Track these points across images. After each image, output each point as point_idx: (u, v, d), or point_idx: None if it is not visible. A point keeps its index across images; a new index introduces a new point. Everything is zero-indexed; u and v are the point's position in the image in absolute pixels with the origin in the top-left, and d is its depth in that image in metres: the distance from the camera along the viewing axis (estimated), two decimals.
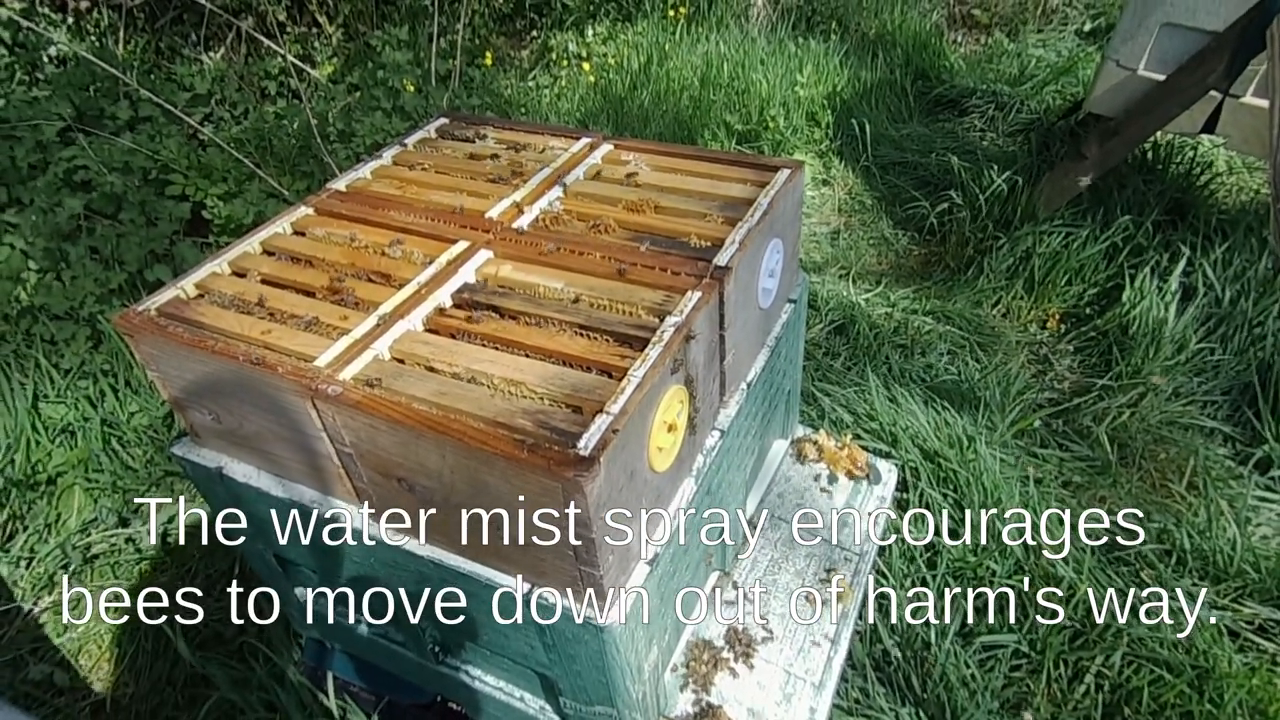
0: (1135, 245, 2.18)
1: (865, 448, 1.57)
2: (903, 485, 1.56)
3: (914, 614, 1.36)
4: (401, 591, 0.91)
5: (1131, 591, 1.37)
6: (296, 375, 0.75)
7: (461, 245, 0.93)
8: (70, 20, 2.64)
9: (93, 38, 2.67)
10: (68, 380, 1.80)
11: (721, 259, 0.86)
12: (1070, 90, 3.15)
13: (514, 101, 2.98)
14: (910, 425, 1.67)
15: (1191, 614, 1.32)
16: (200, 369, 0.82)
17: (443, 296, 0.86)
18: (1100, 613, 1.34)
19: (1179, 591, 1.38)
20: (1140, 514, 1.54)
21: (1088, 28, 3.66)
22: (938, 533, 1.49)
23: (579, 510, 0.67)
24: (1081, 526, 1.51)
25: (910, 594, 1.39)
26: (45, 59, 2.38)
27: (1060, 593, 1.37)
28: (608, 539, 0.70)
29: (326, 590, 1.06)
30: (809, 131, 3.00)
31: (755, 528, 1.21)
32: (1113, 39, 2.08)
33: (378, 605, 0.99)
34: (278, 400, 0.79)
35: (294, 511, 0.90)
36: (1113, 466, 1.69)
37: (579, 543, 0.70)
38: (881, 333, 2.09)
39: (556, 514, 0.68)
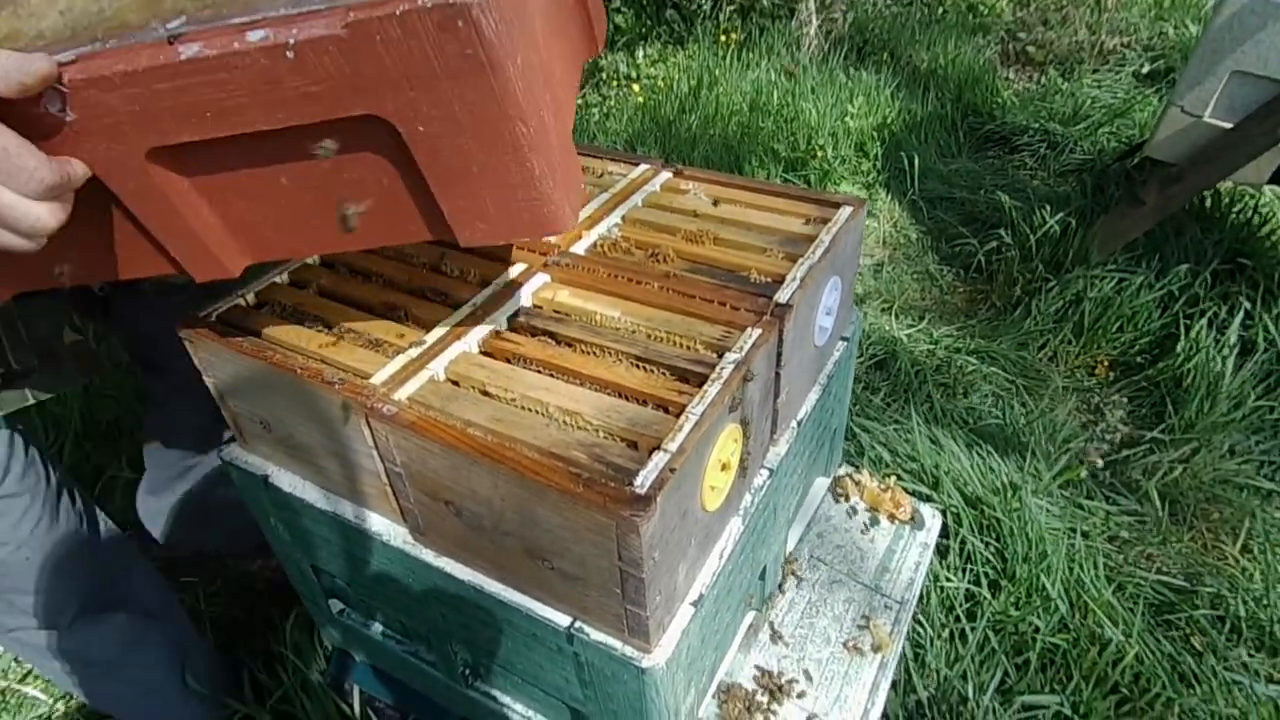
0: (1191, 295, 2.12)
1: (907, 490, 1.54)
2: (944, 531, 1.52)
3: (950, 666, 1.32)
4: (437, 612, 0.90)
5: (1185, 659, 1.31)
6: (352, 392, 0.75)
7: (519, 268, 0.92)
8: None
9: None
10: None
11: (782, 296, 0.84)
12: (1126, 133, 3.10)
13: None
14: (952, 468, 1.63)
15: (1246, 687, 1.26)
16: (256, 378, 0.83)
17: (499, 319, 0.86)
18: (1148, 679, 1.29)
19: (1232, 661, 1.32)
20: (1193, 576, 1.48)
21: (1145, 70, 3.60)
22: (978, 583, 1.44)
23: (631, 549, 0.65)
24: (1130, 586, 1.45)
25: (948, 645, 1.35)
26: None
27: (1106, 655, 1.31)
28: (656, 579, 0.69)
29: (360, 605, 1.06)
30: (856, 162, 2.98)
31: (795, 568, 1.18)
32: (1178, 84, 2.04)
33: (411, 624, 0.98)
34: (331, 415, 0.79)
35: (336, 524, 0.89)
36: (1163, 524, 1.63)
37: (628, 581, 0.68)
38: (923, 370, 2.05)
39: (607, 551, 0.67)
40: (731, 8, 3.78)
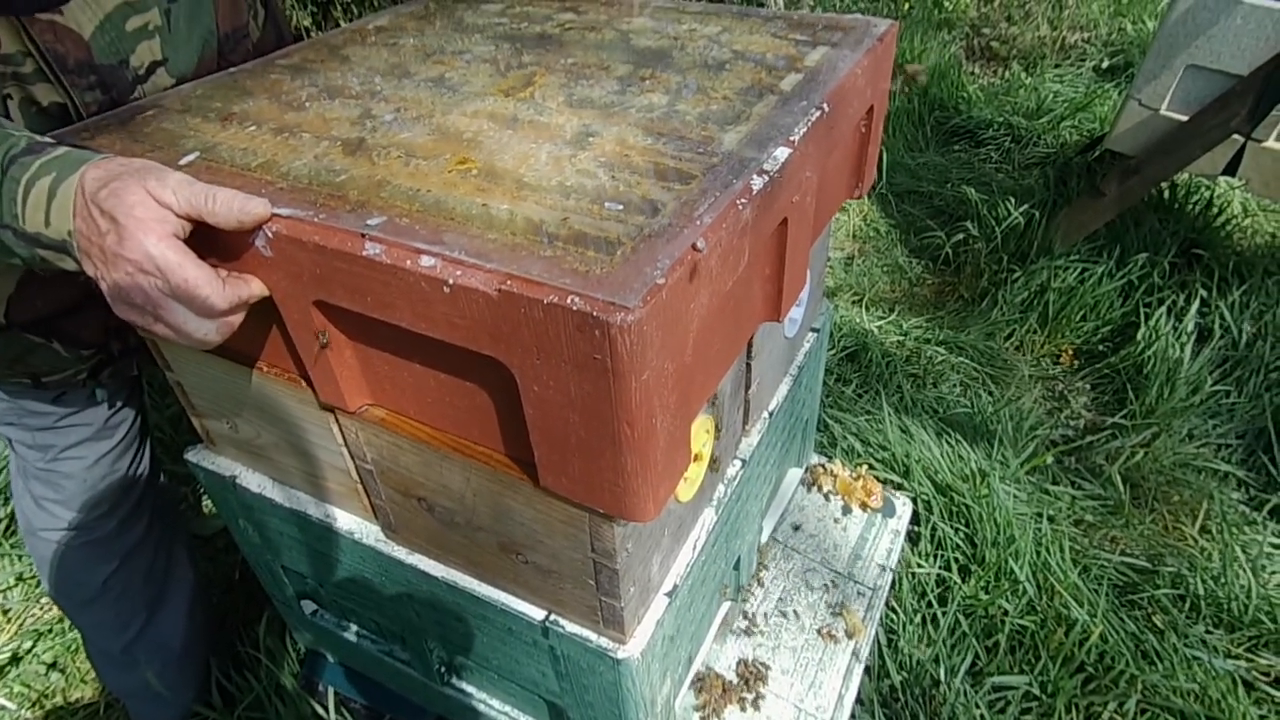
0: (1151, 284, 2.17)
1: (879, 479, 1.56)
2: (915, 518, 1.54)
3: (923, 650, 1.34)
4: (411, 611, 0.89)
5: (1147, 638, 1.35)
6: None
7: None
8: None
9: None
10: None
11: None
12: (1087, 126, 3.16)
13: None
14: (923, 457, 1.66)
15: (1205, 662, 1.30)
16: (222, 376, 0.81)
17: None
18: (1113, 657, 1.32)
19: (1193, 638, 1.36)
20: (1155, 557, 1.52)
21: (1105, 65, 3.68)
22: (948, 568, 1.47)
23: (604, 541, 0.65)
24: (1095, 568, 1.49)
25: (920, 630, 1.37)
26: None
27: (1073, 636, 1.35)
28: (630, 570, 0.69)
29: (333, 605, 1.05)
30: None
31: (769, 557, 1.19)
32: (1136, 78, 2.09)
33: (385, 623, 0.97)
34: (299, 413, 0.77)
35: (306, 525, 0.88)
36: (1125, 507, 1.67)
37: (601, 573, 0.68)
38: (894, 361, 2.07)
39: (580, 543, 0.67)
40: None
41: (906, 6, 4.17)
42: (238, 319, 0.58)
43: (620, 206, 0.51)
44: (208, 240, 0.56)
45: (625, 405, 0.45)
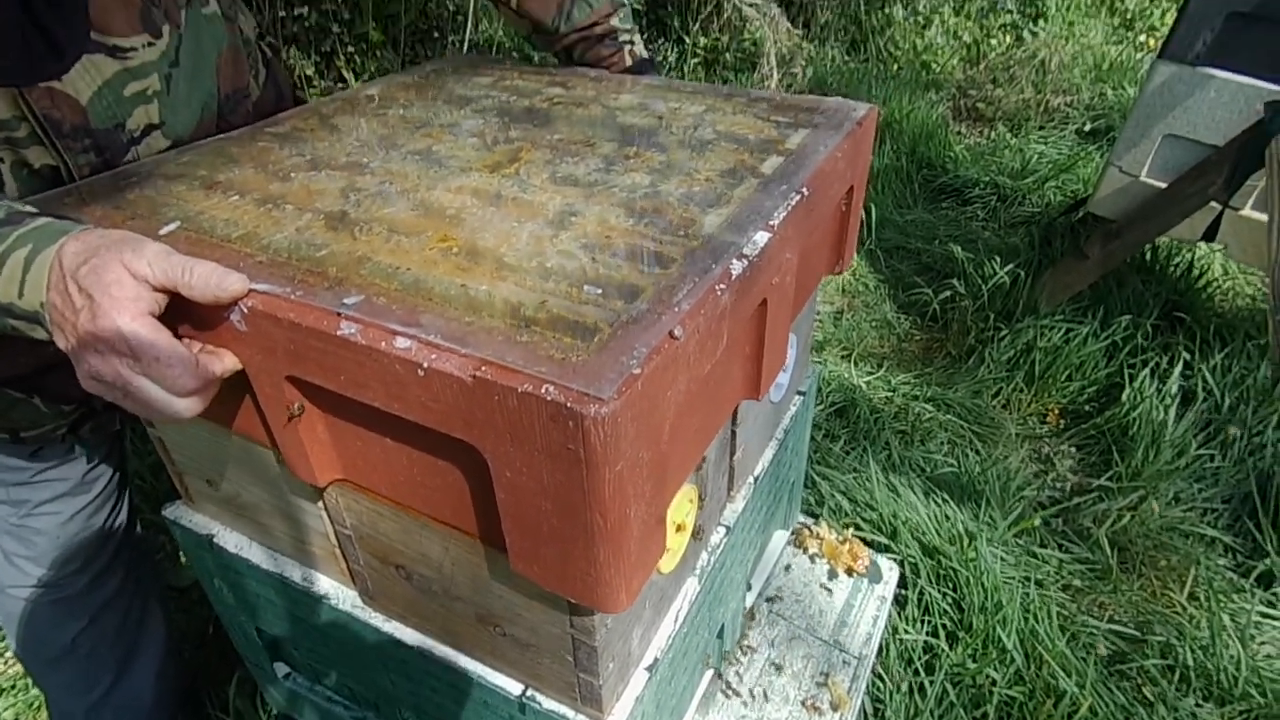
0: (1135, 345, 2.20)
1: (865, 540, 1.55)
2: (902, 581, 1.52)
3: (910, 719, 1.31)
4: (387, 679, 0.87)
5: (1137, 711, 1.33)
6: None
7: None
8: None
9: None
10: None
11: None
12: (1071, 187, 3.24)
13: None
14: (910, 518, 1.65)
15: None
16: (203, 433, 0.81)
17: None
18: None
19: (1183, 712, 1.34)
20: (1143, 624, 1.51)
21: (1088, 128, 3.78)
22: (936, 634, 1.45)
23: (583, 616, 0.64)
24: (1084, 636, 1.47)
25: (907, 699, 1.34)
26: None
27: (1062, 708, 1.32)
28: (609, 647, 0.68)
29: (306, 669, 1.02)
30: None
31: (753, 623, 1.18)
32: (1117, 145, 2.15)
33: (360, 689, 0.95)
34: (278, 475, 0.77)
35: (283, 587, 0.87)
36: (1113, 571, 1.66)
37: (580, 649, 0.67)
38: (882, 417, 2.08)
39: (559, 618, 0.66)
40: (695, 60, 3.89)
41: (895, 68, 4.31)
42: (210, 395, 0.57)
43: (599, 290, 0.51)
44: (182, 310, 0.56)
45: (598, 496, 0.45)
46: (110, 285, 0.51)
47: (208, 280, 0.53)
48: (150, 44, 0.75)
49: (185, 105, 0.82)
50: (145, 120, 0.78)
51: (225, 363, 0.58)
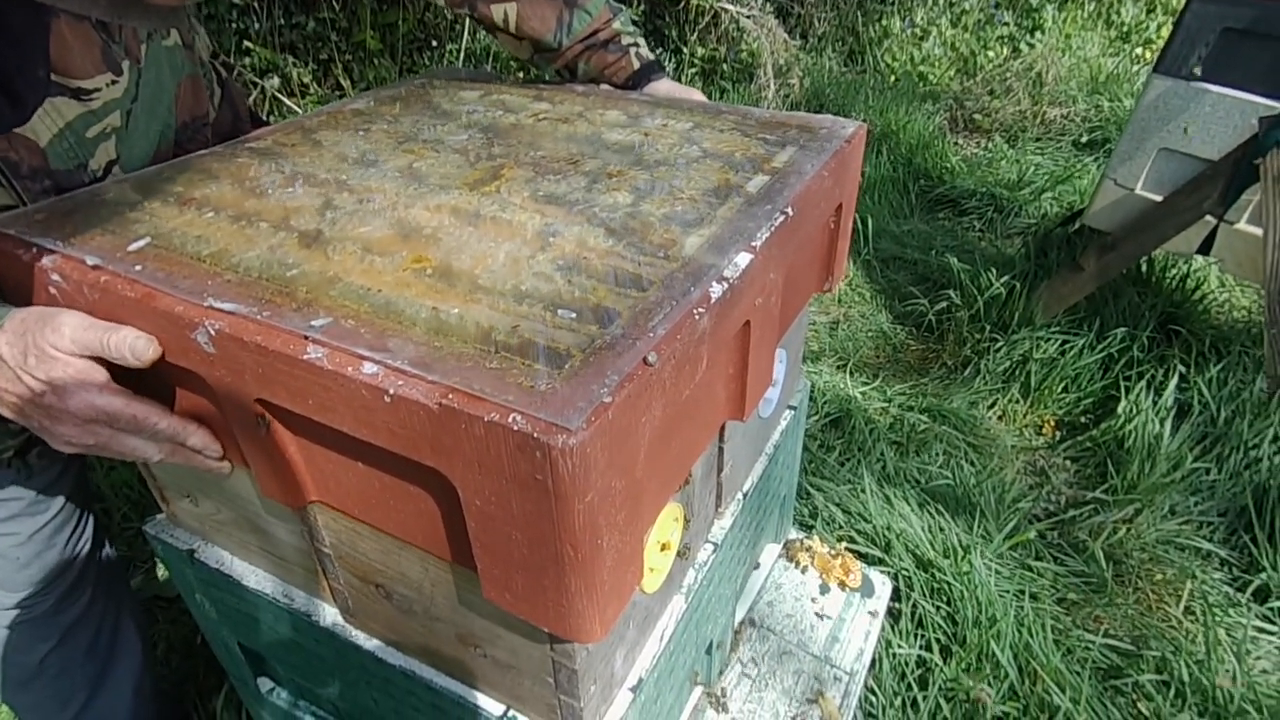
0: (1130, 357, 2.19)
1: (858, 554, 1.54)
2: (895, 594, 1.52)
3: None
4: (369, 697, 0.87)
5: None
6: None
7: None
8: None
9: None
10: None
11: None
12: (1067, 198, 3.24)
13: None
14: (904, 530, 1.64)
15: None
16: None
17: None
18: None
19: None
20: (1139, 639, 1.50)
21: (1085, 139, 3.79)
22: (929, 649, 1.44)
23: (563, 641, 0.64)
24: (1079, 650, 1.46)
25: (900, 714, 1.33)
26: None
27: None
28: (591, 669, 0.67)
29: (290, 684, 1.01)
30: None
31: (744, 638, 1.17)
32: (1112, 158, 2.15)
33: (343, 706, 0.94)
34: (257, 493, 0.76)
35: (265, 603, 0.86)
36: (1109, 585, 1.65)
37: (560, 672, 0.66)
38: (877, 428, 2.07)
39: (539, 639, 0.65)
40: (693, 70, 3.90)
41: (892, 79, 4.31)
42: (188, 434, 0.62)
43: (574, 315, 0.51)
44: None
45: (568, 527, 0.44)
46: (61, 366, 0.56)
47: (122, 347, 0.57)
48: (113, 82, 0.73)
49: (143, 137, 0.80)
50: (106, 158, 0.76)
51: (191, 438, 0.64)
